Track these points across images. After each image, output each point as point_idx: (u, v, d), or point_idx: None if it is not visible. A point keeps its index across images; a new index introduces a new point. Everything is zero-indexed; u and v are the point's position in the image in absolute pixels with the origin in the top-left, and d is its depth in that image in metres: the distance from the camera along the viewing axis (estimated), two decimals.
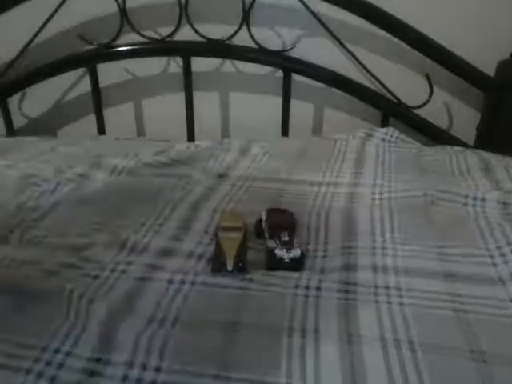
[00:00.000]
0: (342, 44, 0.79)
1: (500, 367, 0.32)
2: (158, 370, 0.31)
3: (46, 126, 0.96)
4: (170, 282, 0.40)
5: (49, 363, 0.32)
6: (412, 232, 0.47)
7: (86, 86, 0.88)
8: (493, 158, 0.67)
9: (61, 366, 0.31)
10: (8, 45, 0.82)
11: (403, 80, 0.84)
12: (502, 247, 0.45)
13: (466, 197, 0.54)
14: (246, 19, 0.77)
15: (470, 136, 0.86)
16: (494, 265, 0.43)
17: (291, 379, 0.31)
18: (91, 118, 0.90)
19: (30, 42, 0.80)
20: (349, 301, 0.38)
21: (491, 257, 0.44)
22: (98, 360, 0.32)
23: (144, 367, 0.31)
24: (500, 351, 0.33)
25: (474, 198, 0.53)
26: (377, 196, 0.56)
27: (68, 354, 0.32)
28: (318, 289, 0.39)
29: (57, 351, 0.33)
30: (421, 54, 0.78)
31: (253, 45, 0.79)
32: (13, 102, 0.91)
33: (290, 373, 0.31)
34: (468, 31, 0.80)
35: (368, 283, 0.40)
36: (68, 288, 0.37)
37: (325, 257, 0.44)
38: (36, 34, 0.79)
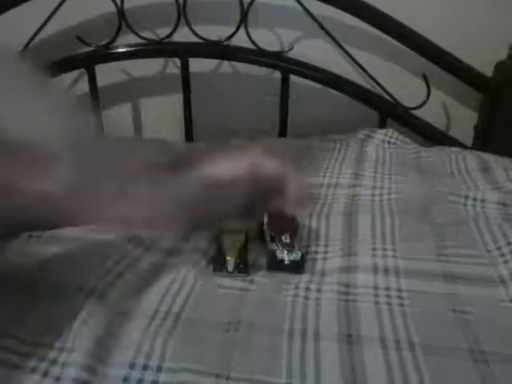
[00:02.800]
0: (339, 45, 0.79)
1: (501, 367, 0.32)
2: (159, 369, 0.31)
3: None
4: (172, 281, 0.40)
5: (54, 362, 0.32)
6: (412, 233, 0.47)
7: (83, 87, 0.88)
8: (491, 159, 0.68)
9: (65, 364, 0.31)
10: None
11: (400, 81, 0.84)
12: (501, 248, 0.45)
13: (466, 197, 0.54)
14: (244, 20, 0.77)
15: (467, 137, 0.86)
16: (494, 265, 0.43)
17: (291, 379, 0.31)
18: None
19: (28, 43, 0.79)
20: (349, 302, 0.38)
21: (491, 257, 0.44)
22: (99, 360, 0.32)
23: (145, 367, 0.31)
24: (501, 351, 0.33)
25: (474, 199, 0.54)
26: (377, 197, 0.56)
27: (71, 350, 0.32)
28: (319, 290, 0.39)
29: (61, 350, 0.32)
30: (418, 55, 0.78)
31: (251, 46, 0.79)
32: None
33: (290, 373, 0.31)
34: (466, 32, 0.81)
35: (368, 284, 0.40)
36: (76, 283, 0.37)
37: (325, 259, 0.44)
38: (34, 36, 0.79)
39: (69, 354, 0.32)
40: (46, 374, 0.31)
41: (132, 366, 0.31)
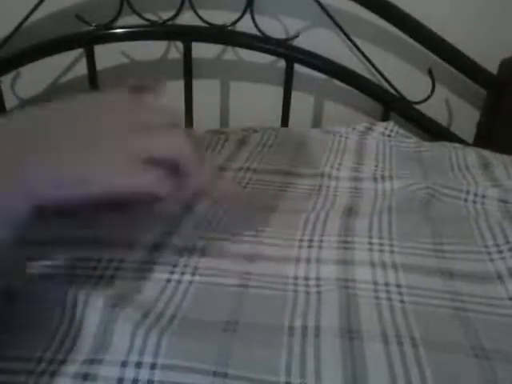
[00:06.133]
0: (346, 35, 0.78)
1: (503, 364, 0.32)
2: (153, 366, 0.30)
3: None
4: (168, 280, 0.39)
5: (42, 373, 0.30)
6: (410, 227, 0.47)
7: (82, 68, 0.86)
8: (491, 156, 0.67)
9: (53, 373, 0.30)
10: (2, 22, 0.79)
11: (405, 75, 0.84)
12: (500, 245, 0.45)
13: (468, 193, 0.54)
14: (249, 5, 0.76)
15: (469, 134, 0.86)
16: (492, 263, 0.43)
17: (290, 377, 0.30)
18: None
19: (25, 19, 0.77)
20: (349, 296, 0.37)
21: (489, 254, 0.44)
22: (91, 361, 0.30)
23: (139, 365, 0.30)
24: (502, 349, 0.33)
25: (475, 195, 0.53)
26: (379, 191, 0.56)
27: (62, 361, 0.31)
28: (318, 286, 0.39)
29: (51, 361, 0.31)
30: (424, 49, 0.77)
31: (256, 33, 0.78)
32: (5, 82, 0.88)
33: (289, 370, 0.31)
34: (471, 29, 0.80)
35: (367, 279, 0.39)
36: (62, 289, 0.35)
37: (320, 248, 0.44)
38: (31, 12, 0.77)
39: (60, 363, 0.30)
40: None
41: (125, 364, 0.30)
